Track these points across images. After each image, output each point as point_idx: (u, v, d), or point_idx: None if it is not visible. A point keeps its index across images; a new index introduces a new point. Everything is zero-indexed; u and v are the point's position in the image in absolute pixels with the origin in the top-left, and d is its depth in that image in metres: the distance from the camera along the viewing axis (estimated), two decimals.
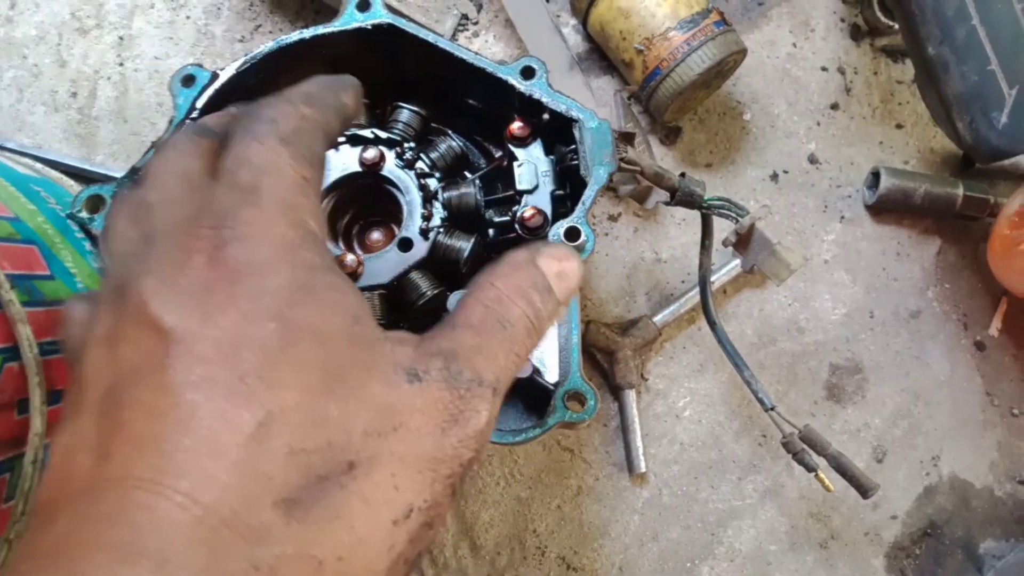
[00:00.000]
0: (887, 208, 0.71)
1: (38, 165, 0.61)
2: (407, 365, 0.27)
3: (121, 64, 0.70)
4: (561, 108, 0.50)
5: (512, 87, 0.51)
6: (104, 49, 0.70)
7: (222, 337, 0.25)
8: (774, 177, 0.72)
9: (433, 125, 0.58)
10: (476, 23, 0.73)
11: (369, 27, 0.51)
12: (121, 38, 0.71)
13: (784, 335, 0.69)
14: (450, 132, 0.58)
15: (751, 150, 0.72)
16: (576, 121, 0.50)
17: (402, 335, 0.29)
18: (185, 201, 0.29)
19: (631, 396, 0.65)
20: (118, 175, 0.54)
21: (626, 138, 0.51)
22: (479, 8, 0.73)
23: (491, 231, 0.54)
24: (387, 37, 0.52)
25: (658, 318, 0.66)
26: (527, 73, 0.51)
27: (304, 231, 0.28)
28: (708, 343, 0.68)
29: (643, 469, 0.64)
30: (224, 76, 0.50)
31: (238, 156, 0.29)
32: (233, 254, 0.26)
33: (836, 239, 0.71)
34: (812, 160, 0.73)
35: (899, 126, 0.74)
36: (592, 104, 0.67)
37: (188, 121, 0.48)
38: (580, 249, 0.46)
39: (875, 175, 0.70)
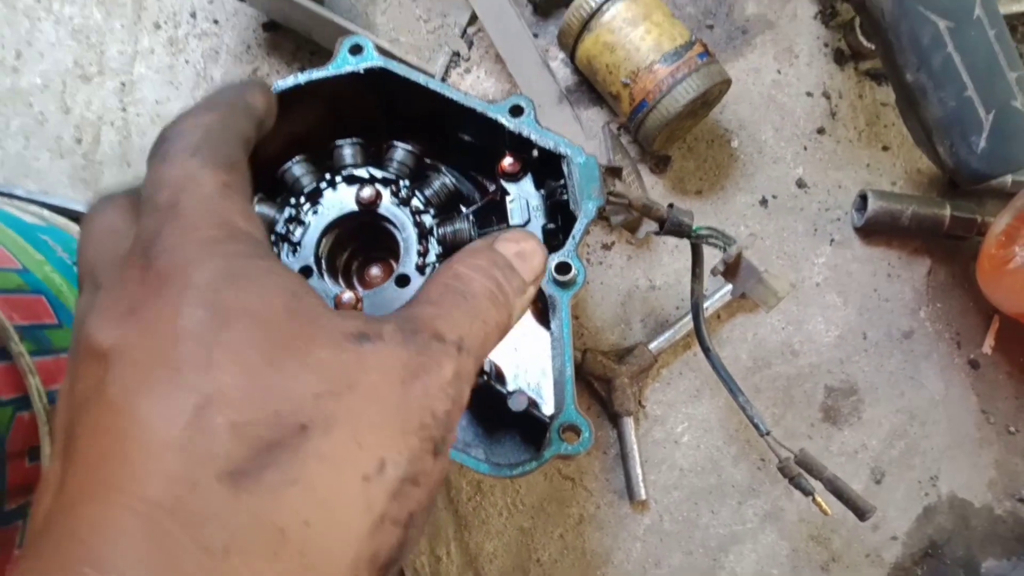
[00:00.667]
0: (876, 230, 0.72)
1: (45, 212, 0.62)
2: (356, 331, 0.27)
3: (123, 109, 0.72)
4: (549, 144, 0.51)
5: (502, 125, 0.52)
6: (107, 95, 0.72)
7: (155, 338, 0.24)
8: (763, 202, 0.73)
9: (427, 161, 0.59)
10: (467, 59, 0.75)
11: (362, 71, 0.53)
12: (123, 84, 0.73)
13: (779, 358, 0.70)
14: (444, 168, 0.59)
15: (740, 176, 0.74)
16: (564, 157, 0.51)
17: (352, 312, 0.28)
18: (119, 249, 0.29)
19: (629, 423, 0.66)
20: None
21: (613, 172, 0.53)
22: (470, 45, 0.75)
23: None
24: (380, 79, 0.53)
25: (654, 345, 0.67)
26: (515, 111, 0.52)
27: (231, 229, 0.28)
28: (704, 368, 0.68)
29: (643, 496, 0.65)
30: None
31: (152, 180, 0.29)
32: (159, 265, 0.26)
33: (827, 262, 0.72)
34: (800, 184, 0.74)
35: (885, 148, 0.76)
36: (582, 136, 0.69)
37: None
38: (571, 283, 0.47)
39: (863, 198, 0.71)
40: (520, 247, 0.33)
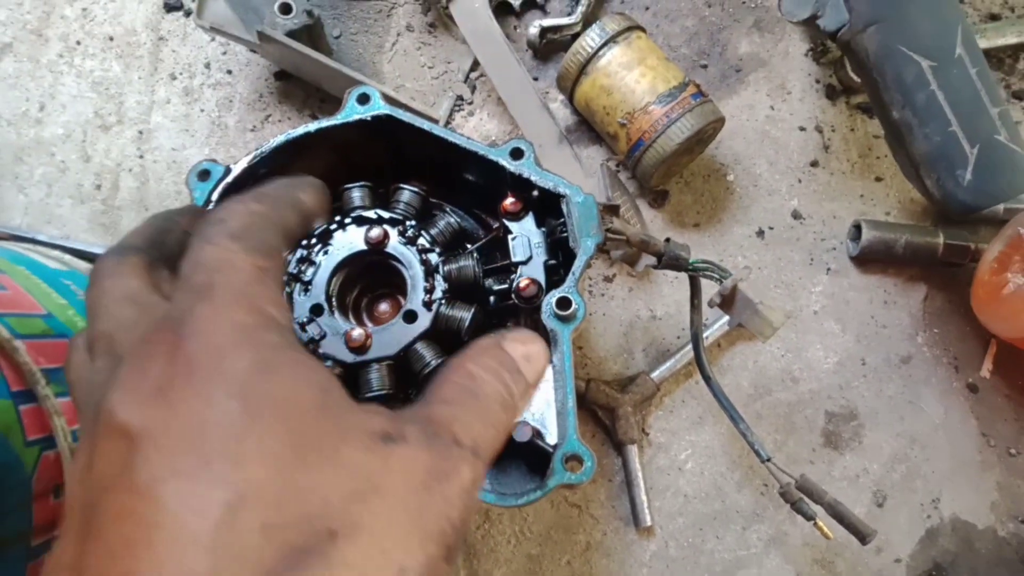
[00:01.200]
0: (871, 259, 0.74)
1: (67, 257, 0.65)
2: (381, 430, 0.27)
3: (141, 156, 0.75)
4: (549, 185, 0.54)
5: (503, 167, 0.55)
6: (125, 143, 0.76)
7: (186, 425, 0.24)
8: (760, 233, 0.75)
9: (432, 200, 0.61)
10: (471, 103, 0.77)
11: (369, 118, 0.56)
12: (140, 132, 0.76)
13: (779, 385, 0.71)
14: (448, 207, 0.61)
15: (736, 209, 0.76)
16: (563, 196, 0.53)
17: (375, 407, 0.29)
18: (140, 319, 0.29)
19: (633, 451, 0.67)
20: None
21: (611, 210, 0.55)
22: (473, 89, 0.78)
23: (492, 299, 0.57)
24: (386, 126, 0.56)
25: (656, 374, 0.69)
26: (516, 154, 0.55)
27: (263, 317, 0.28)
28: (706, 396, 0.70)
29: (649, 523, 0.66)
30: (236, 169, 0.54)
31: (191, 260, 0.29)
32: (190, 347, 0.26)
33: (824, 290, 0.74)
34: (796, 216, 0.76)
35: (878, 179, 0.78)
36: (581, 173, 0.71)
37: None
38: (572, 318, 0.49)
39: (857, 228, 0.73)
40: (527, 349, 0.35)
